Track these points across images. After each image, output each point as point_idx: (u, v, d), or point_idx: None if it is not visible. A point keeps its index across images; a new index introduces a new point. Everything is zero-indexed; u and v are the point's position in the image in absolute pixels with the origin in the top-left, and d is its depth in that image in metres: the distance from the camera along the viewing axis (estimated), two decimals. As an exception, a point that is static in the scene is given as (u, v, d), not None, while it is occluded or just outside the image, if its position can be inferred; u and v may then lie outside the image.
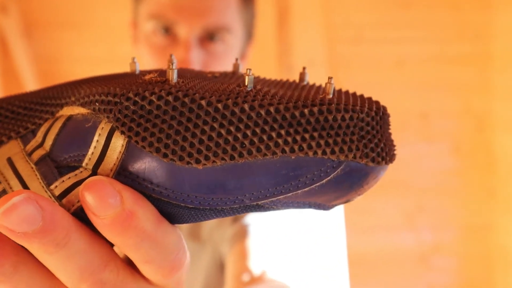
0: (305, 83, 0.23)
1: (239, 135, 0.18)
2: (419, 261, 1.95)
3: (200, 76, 0.23)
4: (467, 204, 1.96)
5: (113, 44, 1.91)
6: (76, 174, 0.19)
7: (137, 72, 0.24)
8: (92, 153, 0.19)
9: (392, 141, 0.21)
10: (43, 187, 0.19)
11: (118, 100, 0.19)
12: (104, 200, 0.17)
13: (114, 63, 1.91)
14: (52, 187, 0.19)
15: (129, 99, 0.19)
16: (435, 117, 1.96)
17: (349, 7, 1.95)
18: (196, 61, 0.53)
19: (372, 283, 1.95)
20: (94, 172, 0.19)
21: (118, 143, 0.19)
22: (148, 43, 0.56)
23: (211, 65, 0.54)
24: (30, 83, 1.78)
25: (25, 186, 0.19)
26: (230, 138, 0.18)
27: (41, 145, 0.20)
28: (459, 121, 1.96)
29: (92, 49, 1.91)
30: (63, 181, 0.19)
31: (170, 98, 0.18)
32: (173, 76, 0.19)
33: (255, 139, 0.18)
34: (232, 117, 0.18)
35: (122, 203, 0.18)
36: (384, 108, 0.21)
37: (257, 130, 0.18)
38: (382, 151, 0.20)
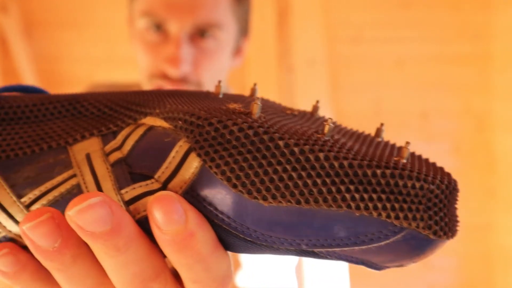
0: (380, 139, 0.24)
1: (309, 182, 0.18)
2: (419, 261, 1.95)
3: (279, 112, 0.24)
4: (467, 204, 1.96)
5: (113, 43, 1.92)
6: (147, 184, 0.20)
7: (221, 95, 0.24)
8: (166, 167, 0.20)
9: (456, 216, 0.21)
10: (114, 189, 0.20)
11: (201, 124, 0.19)
12: (169, 216, 0.18)
13: (114, 62, 1.91)
14: (122, 191, 0.20)
15: (211, 125, 0.19)
16: (435, 117, 1.96)
17: (349, 7, 1.95)
18: (187, 57, 0.53)
19: (373, 282, 1.95)
20: (164, 186, 0.20)
21: (193, 164, 0.20)
22: (141, 40, 0.56)
23: (202, 62, 0.54)
24: (30, 83, 1.78)
25: (98, 185, 0.20)
26: (300, 182, 0.18)
27: (119, 148, 0.21)
28: (459, 121, 1.96)
29: (92, 49, 1.92)
30: (134, 188, 0.20)
31: (250, 132, 0.19)
32: (257, 111, 0.20)
33: (324, 189, 0.18)
34: (306, 163, 0.18)
35: (186, 222, 0.18)
36: (455, 183, 0.21)
37: (328, 180, 0.18)
38: (445, 225, 0.20)
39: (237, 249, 0.20)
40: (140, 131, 0.21)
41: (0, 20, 1.79)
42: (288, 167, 0.19)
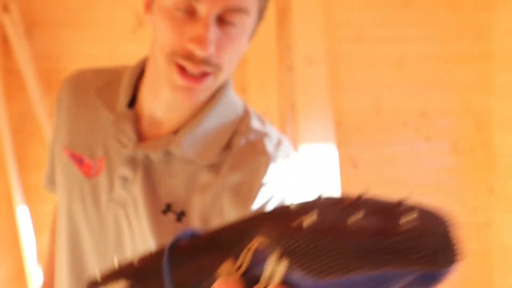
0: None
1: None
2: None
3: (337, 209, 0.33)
4: (466, 202, 1.97)
5: (114, 42, 1.92)
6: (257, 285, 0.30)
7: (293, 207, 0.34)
8: (266, 273, 0.30)
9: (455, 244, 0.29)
10: None
11: (281, 240, 0.29)
12: None
13: (114, 61, 1.91)
14: None
15: (292, 240, 0.29)
16: (435, 115, 1.96)
17: (349, 6, 1.95)
18: (213, 40, 0.53)
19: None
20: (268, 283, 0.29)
21: (281, 267, 0.29)
22: (166, 17, 0.55)
23: (225, 45, 0.55)
24: (31, 81, 1.79)
25: None
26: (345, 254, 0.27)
27: (241, 265, 0.32)
28: (458, 119, 1.97)
29: (93, 48, 1.92)
30: None
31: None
32: (310, 224, 0.29)
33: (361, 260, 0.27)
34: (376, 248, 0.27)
35: None
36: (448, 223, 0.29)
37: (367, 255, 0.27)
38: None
39: None
40: (251, 252, 0.32)
41: (1, 19, 1.80)
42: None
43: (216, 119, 0.61)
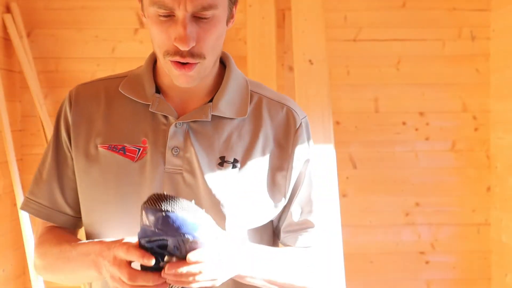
0: None
1: None
2: (418, 257, 1.97)
3: None
4: (464, 201, 1.98)
5: (115, 42, 1.93)
6: None
7: None
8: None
9: None
10: None
11: None
12: None
13: (114, 61, 1.93)
14: None
15: None
16: (433, 115, 1.97)
17: (348, 7, 1.96)
18: (191, 35, 0.66)
19: (372, 278, 1.96)
20: None
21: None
22: (154, 23, 0.68)
23: (204, 37, 0.68)
24: (33, 81, 1.80)
25: None
26: None
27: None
28: (456, 119, 1.97)
29: (93, 48, 1.93)
30: None
31: None
32: None
33: None
34: None
35: None
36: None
37: None
38: None
39: None
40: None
41: (3, 20, 1.81)
42: None
43: (235, 83, 0.76)
